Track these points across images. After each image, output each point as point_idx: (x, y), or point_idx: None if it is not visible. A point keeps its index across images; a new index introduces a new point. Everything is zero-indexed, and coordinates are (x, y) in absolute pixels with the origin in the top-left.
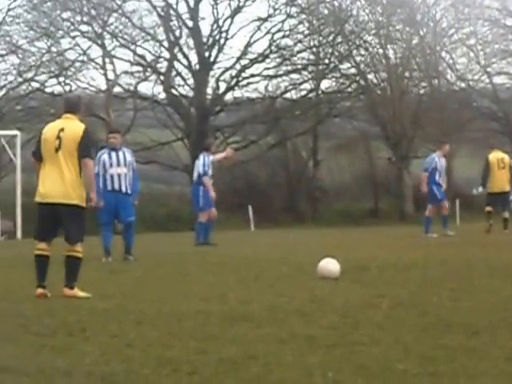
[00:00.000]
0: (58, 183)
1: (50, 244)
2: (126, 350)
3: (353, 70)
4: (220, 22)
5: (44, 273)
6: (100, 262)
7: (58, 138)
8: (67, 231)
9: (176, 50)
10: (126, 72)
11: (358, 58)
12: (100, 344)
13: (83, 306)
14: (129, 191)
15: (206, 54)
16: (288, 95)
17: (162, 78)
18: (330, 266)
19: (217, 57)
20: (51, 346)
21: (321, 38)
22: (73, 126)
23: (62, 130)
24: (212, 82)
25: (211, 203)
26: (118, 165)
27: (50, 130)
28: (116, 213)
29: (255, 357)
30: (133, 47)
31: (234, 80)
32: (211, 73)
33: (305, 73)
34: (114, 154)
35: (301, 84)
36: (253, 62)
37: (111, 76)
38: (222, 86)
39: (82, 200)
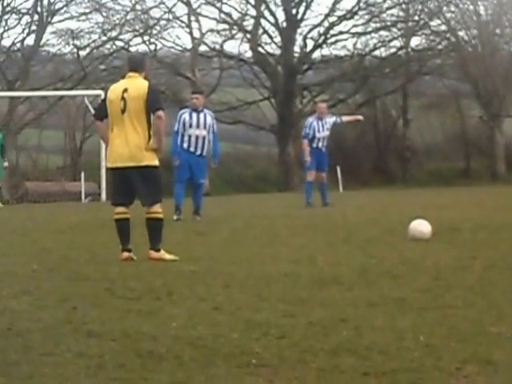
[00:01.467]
0: (126, 146)
1: (129, 207)
2: (214, 314)
3: (443, 27)
4: None
5: (127, 236)
6: (186, 223)
7: (123, 99)
8: (142, 194)
9: (263, 7)
10: (211, 30)
11: (448, 15)
12: (187, 307)
13: (170, 269)
14: (204, 153)
15: (294, 11)
16: (377, 53)
17: (248, 36)
18: (421, 227)
19: (304, 14)
20: (137, 310)
21: None
22: (136, 85)
23: (125, 90)
24: (299, 40)
25: (311, 165)
26: (198, 126)
27: (114, 91)
28: (191, 172)
29: (345, 320)
30: (219, 5)
31: (322, 37)
32: (298, 30)
33: (394, 30)
34: (194, 115)
35: (390, 41)
36: (341, 19)
37: (197, 34)
38: (310, 44)
39: (153, 160)
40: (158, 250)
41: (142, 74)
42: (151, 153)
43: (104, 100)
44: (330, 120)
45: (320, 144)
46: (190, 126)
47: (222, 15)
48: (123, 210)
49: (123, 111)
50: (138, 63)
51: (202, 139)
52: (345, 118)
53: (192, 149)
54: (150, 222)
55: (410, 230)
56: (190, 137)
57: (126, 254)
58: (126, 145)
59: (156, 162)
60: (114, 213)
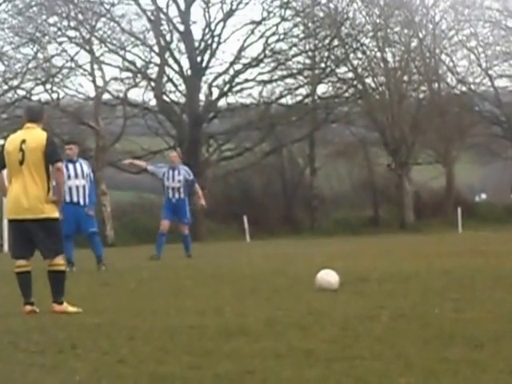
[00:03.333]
0: (24, 198)
1: (30, 259)
2: (118, 367)
3: (350, 74)
4: (212, 26)
5: (29, 289)
6: (91, 274)
7: (21, 150)
8: (43, 246)
9: (167, 55)
10: (115, 78)
11: (355, 62)
12: (91, 361)
13: (73, 322)
14: (87, 203)
15: (198, 59)
16: (283, 101)
17: (152, 84)
18: (328, 277)
19: (209, 62)
20: (41, 364)
21: (316, 42)
22: (34, 136)
23: (23, 141)
24: (204, 88)
25: (164, 215)
26: (76, 176)
27: (11, 142)
28: (77, 225)
29: (252, 372)
30: (122, 53)
31: (228, 85)
32: (204, 78)
33: (300, 77)
34: (71, 166)
35: (296, 89)
36: (246, 66)
37: (100, 83)
38: (215, 92)
39: (53, 211)
40: (61, 303)
41: (40, 124)
42: (51, 205)
43: (1, 151)
44: (184, 173)
45: (173, 194)
46: (69, 177)
47: (126, 63)
48: (24, 263)
49: (21, 162)
50: (35, 114)
51: (82, 188)
52: (197, 188)
53: (75, 200)
54: (52, 275)
55: (317, 280)
56: (70, 188)
57: (28, 308)
58: (26, 196)
59: (56, 214)
60: (15, 266)
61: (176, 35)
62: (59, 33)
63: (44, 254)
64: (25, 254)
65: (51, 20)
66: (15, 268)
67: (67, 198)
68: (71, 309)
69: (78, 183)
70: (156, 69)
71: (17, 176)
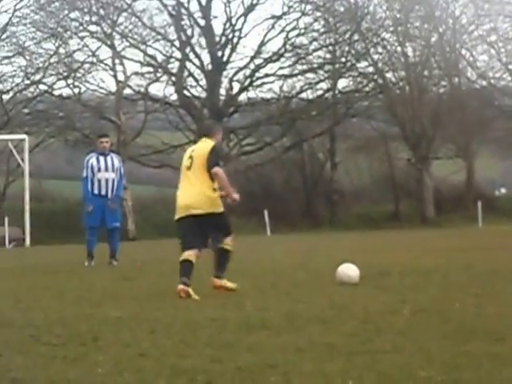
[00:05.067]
0: (191, 197)
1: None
2: (140, 360)
3: (370, 69)
4: (233, 21)
5: (187, 272)
6: (112, 268)
7: (190, 157)
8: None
9: (188, 49)
10: (136, 73)
11: (375, 57)
12: (113, 354)
13: (95, 315)
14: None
15: (219, 54)
16: (304, 95)
17: (173, 78)
18: (349, 271)
19: (230, 56)
20: (62, 357)
21: (337, 36)
22: (203, 146)
23: (193, 150)
24: (225, 83)
25: None
26: (106, 170)
27: (187, 152)
28: (102, 218)
29: (273, 365)
30: (143, 47)
31: (248, 80)
32: (224, 73)
33: (321, 72)
34: (102, 159)
35: (317, 83)
36: (267, 61)
37: (121, 77)
38: (236, 87)
39: (217, 207)
40: (220, 278)
41: (213, 138)
42: (215, 201)
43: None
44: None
45: None
46: (99, 169)
47: (147, 58)
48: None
49: (189, 168)
50: (207, 130)
51: (111, 182)
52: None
53: (103, 192)
54: (221, 252)
55: (337, 274)
56: (99, 181)
57: (181, 287)
58: (192, 195)
59: (220, 209)
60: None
61: (197, 30)
62: (81, 28)
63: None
64: (193, 246)
65: (73, 15)
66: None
67: (95, 191)
68: (229, 284)
69: (108, 176)
70: (177, 63)
71: (184, 178)
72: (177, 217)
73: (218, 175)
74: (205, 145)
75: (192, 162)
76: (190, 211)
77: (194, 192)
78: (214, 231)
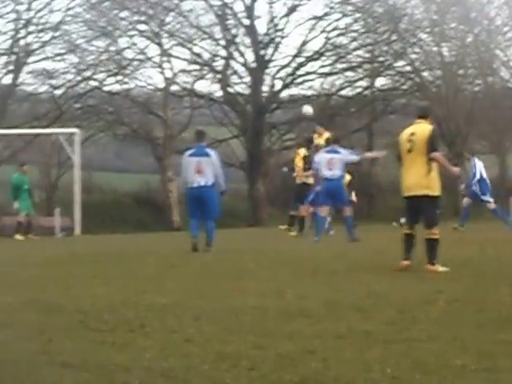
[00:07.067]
0: (413, 178)
1: (415, 227)
2: (185, 346)
3: (408, 68)
4: (276, 21)
5: (409, 248)
6: (158, 256)
7: (410, 141)
8: (426, 218)
9: (232, 48)
10: (183, 70)
11: (412, 56)
12: (159, 339)
13: (141, 302)
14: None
15: (262, 53)
16: (343, 92)
17: (218, 76)
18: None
19: (273, 55)
20: (111, 342)
21: (376, 36)
22: (422, 129)
23: (412, 134)
24: (268, 80)
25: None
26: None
27: (403, 134)
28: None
29: (313, 352)
30: (190, 46)
31: (290, 78)
32: (267, 71)
33: (360, 70)
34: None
35: (356, 81)
36: (308, 59)
37: (168, 74)
38: (278, 84)
39: (433, 190)
40: (433, 264)
41: (428, 120)
42: (432, 185)
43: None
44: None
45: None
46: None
47: (193, 56)
48: (410, 229)
49: (409, 151)
50: (424, 111)
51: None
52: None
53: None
54: (427, 242)
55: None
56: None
57: (405, 263)
58: (414, 177)
59: (435, 192)
60: (404, 229)
61: (241, 29)
62: (130, 27)
63: (426, 223)
64: (415, 223)
65: (122, 14)
66: (404, 230)
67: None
68: (441, 269)
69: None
70: (222, 61)
71: (407, 161)
72: (404, 195)
73: (438, 159)
74: (423, 128)
75: (412, 145)
76: (411, 192)
77: (415, 174)
78: (422, 213)
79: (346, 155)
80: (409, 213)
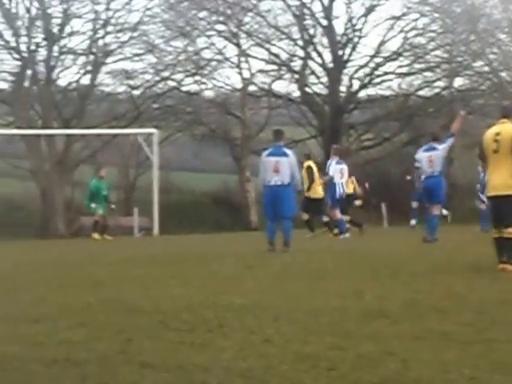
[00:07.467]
0: (497, 179)
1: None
2: (264, 346)
3: (486, 68)
4: (354, 21)
5: (502, 252)
6: (236, 257)
7: (496, 141)
8: (507, 216)
9: (310, 48)
10: (261, 71)
11: (490, 56)
12: (238, 340)
13: (220, 302)
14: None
15: (340, 53)
16: (421, 93)
17: (296, 76)
18: None
19: (350, 55)
20: (190, 342)
21: (454, 37)
22: (507, 129)
23: (497, 133)
24: (346, 80)
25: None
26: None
27: (488, 134)
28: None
29: (392, 353)
30: (268, 46)
31: (368, 78)
32: (345, 71)
33: (438, 70)
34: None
35: (434, 82)
36: (386, 60)
37: (246, 75)
38: (356, 84)
39: None
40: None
41: (511, 119)
42: None
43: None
44: None
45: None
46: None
47: (271, 56)
48: (497, 231)
49: (495, 151)
50: (507, 111)
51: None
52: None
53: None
54: (506, 241)
55: None
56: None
57: (501, 266)
58: (499, 177)
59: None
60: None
61: (319, 29)
62: (208, 27)
63: (506, 223)
64: (501, 224)
65: (201, 14)
66: (493, 234)
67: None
68: None
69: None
70: (300, 62)
71: (493, 161)
72: (488, 195)
73: None
74: (508, 127)
75: (498, 145)
76: (496, 191)
77: (500, 174)
78: (503, 212)
79: (443, 149)
80: (494, 214)
